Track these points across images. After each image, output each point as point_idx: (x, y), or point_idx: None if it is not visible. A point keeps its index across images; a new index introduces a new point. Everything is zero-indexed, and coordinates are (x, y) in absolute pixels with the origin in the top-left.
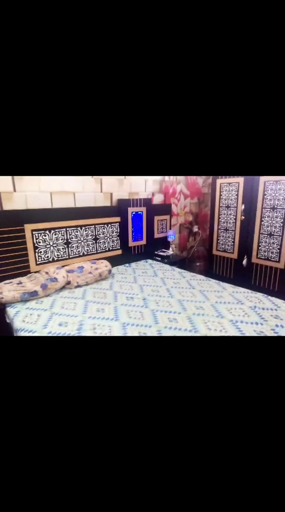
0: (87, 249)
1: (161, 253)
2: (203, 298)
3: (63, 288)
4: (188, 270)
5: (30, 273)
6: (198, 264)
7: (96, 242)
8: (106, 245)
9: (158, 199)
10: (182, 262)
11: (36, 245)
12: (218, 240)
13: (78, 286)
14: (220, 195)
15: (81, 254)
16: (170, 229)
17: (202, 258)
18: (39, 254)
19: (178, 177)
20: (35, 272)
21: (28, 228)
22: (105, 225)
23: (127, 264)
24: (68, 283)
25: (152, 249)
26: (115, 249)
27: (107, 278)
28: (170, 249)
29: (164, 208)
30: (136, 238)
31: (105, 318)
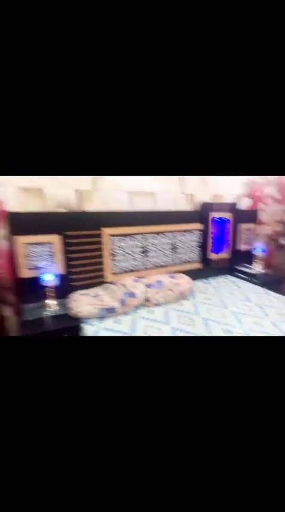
0: (165, 260)
1: (245, 269)
2: None
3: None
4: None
5: (104, 283)
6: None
7: (174, 252)
8: (185, 256)
9: (245, 203)
10: (277, 283)
11: (112, 252)
12: None
13: (158, 304)
14: None
15: (158, 265)
16: (254, 240)
17: None
18: (115, 263)
19: (269, 177)
20: (110, 283)
21: (106, 232)
22: (184, 233)
23: (205, 280)
24: (146, 300)
25: (231, 263)
26: (193, 261)
27: (187, 297)
28: (256, 264)
29: (250, 215)
30: (218, 250)
31: None
